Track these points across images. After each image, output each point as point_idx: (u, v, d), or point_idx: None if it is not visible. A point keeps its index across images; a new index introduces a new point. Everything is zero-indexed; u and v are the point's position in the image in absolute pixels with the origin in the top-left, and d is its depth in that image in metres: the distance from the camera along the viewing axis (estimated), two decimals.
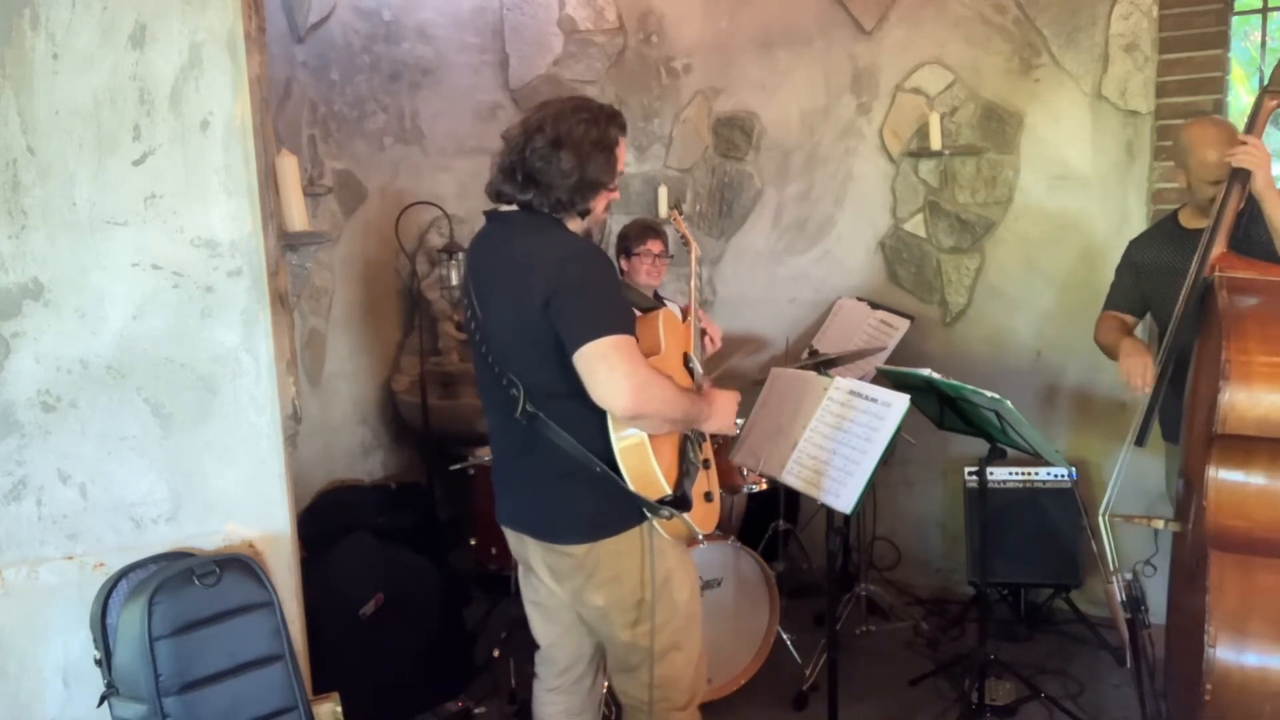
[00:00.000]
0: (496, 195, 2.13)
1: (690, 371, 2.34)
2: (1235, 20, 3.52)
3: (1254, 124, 2.54)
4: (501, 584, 3.54)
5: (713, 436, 2.37)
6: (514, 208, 2.10)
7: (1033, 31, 3.75)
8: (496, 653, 3.40)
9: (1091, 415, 3.79)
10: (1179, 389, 2.65)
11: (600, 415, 2.01)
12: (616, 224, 4.10)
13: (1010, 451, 2.84)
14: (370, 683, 2.87)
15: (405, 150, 4.53)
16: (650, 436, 2.02)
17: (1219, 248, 2.47)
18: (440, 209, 4.28)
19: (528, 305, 1.97)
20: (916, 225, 4.09)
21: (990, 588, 3.48)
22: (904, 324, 3.82)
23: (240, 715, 2.10)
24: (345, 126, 4.24)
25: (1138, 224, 3.55)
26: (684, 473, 2.13)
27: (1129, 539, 3.18)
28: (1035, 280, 3.87)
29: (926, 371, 2.73)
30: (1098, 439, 3.76)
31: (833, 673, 2.84)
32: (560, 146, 2.01)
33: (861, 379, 2.70)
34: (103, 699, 2.07)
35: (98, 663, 2.09)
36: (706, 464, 2.31)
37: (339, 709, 2.29)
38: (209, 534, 2.24)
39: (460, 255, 4.10)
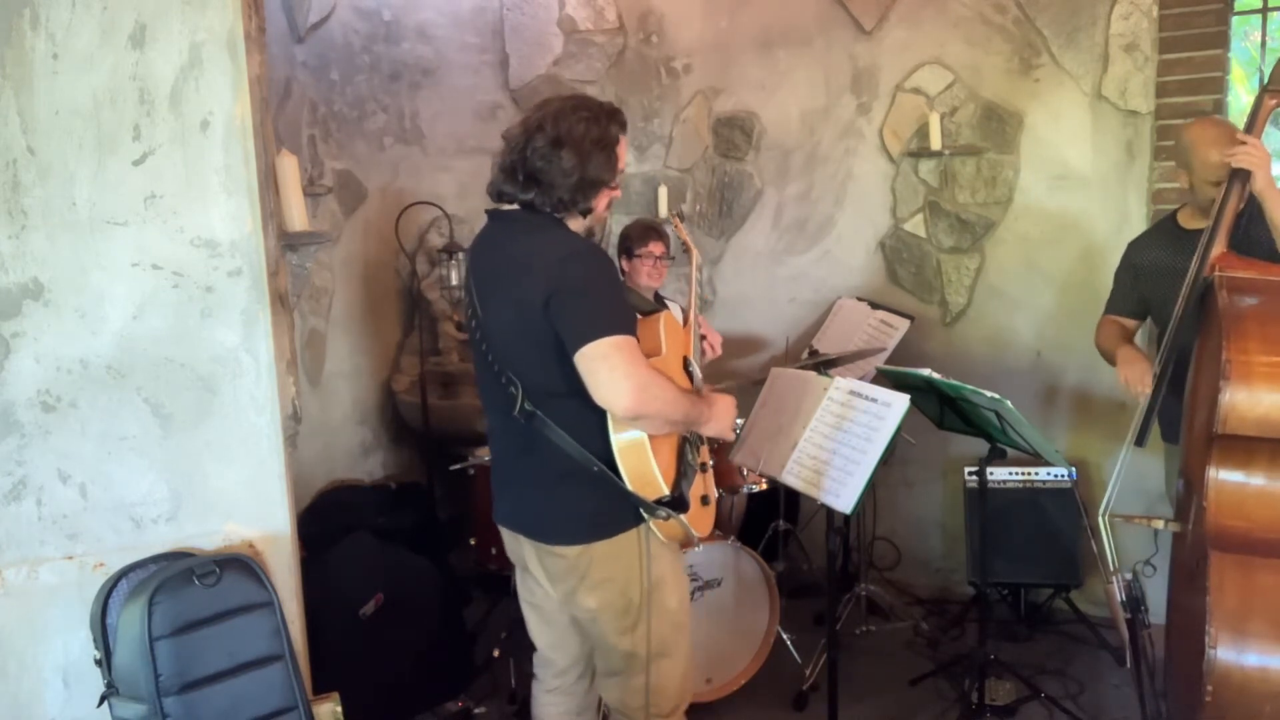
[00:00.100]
0: (498, 195, 2.12)
1: (690, 376, 2.34)
2: (1235, 20, 3.52)
3: (1254, 123, 2.54)
4: (501, 584, 3.54)
5: (710, 440, 2.36)
6: (516, 207, 2.10)
7: (1033, 31, 3.75)
8: (496, 653, 3.40)
9: (1091, 415, 3.79)
10: (1178, 389, 2.65)
11: (599, 415, 2.00)
12: (617, 224, 4.10)
13: (1010, 451, 2.84)
14: (370, 683, 2.87)
15: (405, 150, 4.53)
16: (650, 437, 2.02)
17: (1219, 248, 2.47)
18: (440, 209, 4.28)
19: (528, 304, 1.97)
20: (916, 225, 4.09)
21: (990, 588, 3.48)
22: (904, 324, 3.82)
23: (240, 715, 2.09)
24: (345, 126, 4.24)
25: (1138, 224, 3.55)
26: (681, 474, 2.13)
27: (1129, 539, 3.18)
28: (1035, 280, 3.87)
29: (926, 371, 2.73)
30: (1098, 439, 3.76)
31: (833, 673, 2.84)
32: (561, 145, 2.01)
33: (861, 379, 2.70)
34: (103, 699, 2.07)
35: (98, 663, 2.09)
36: (704, 467, 2.31)
37: (339, 709, 2.29)
38: (209, 534, 2.24)
39: (460, 255, 4.10)
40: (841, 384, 2.60)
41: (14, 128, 2.05)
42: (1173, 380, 2.60)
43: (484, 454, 3.38)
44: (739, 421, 2.64)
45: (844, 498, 2.45)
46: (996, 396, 2.56)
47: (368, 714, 2.52)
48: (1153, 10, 3.52)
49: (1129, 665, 2.63)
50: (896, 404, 2.45)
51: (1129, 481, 2.66)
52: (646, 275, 3.43)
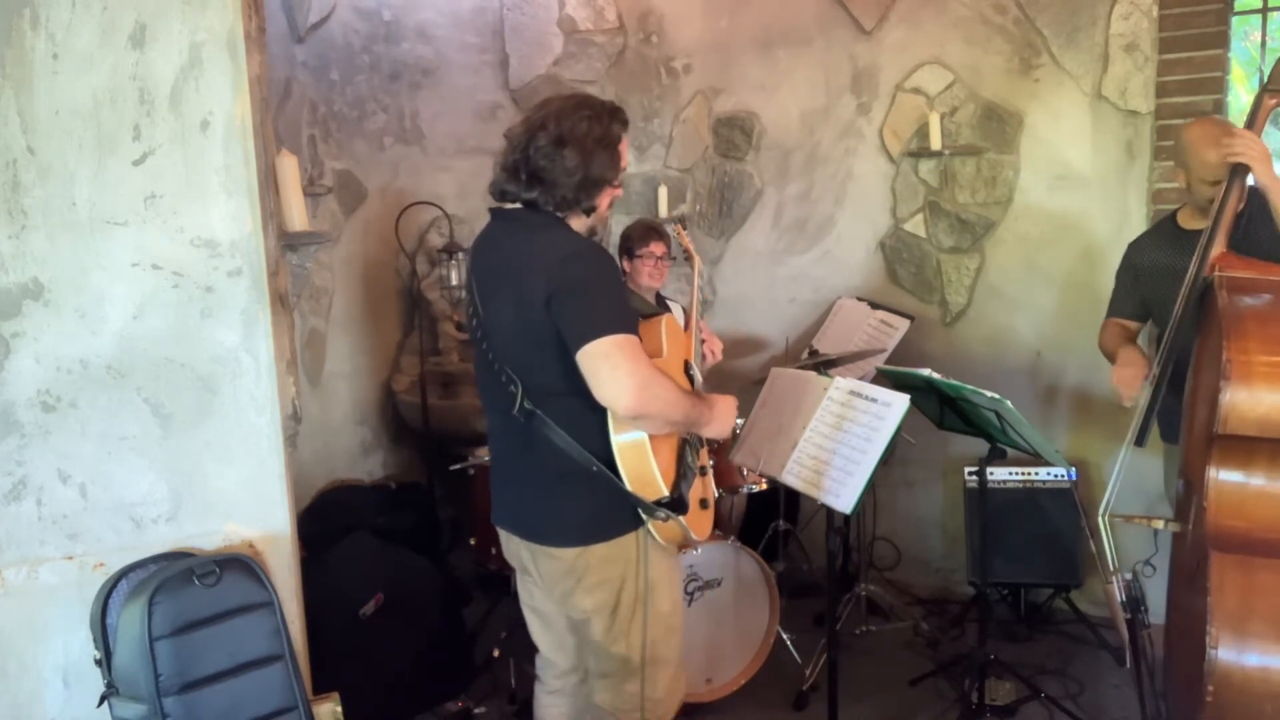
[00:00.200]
0: (501, 194, 2.12)
1: (690, 379, 2.33)
2: (1235, 20, 3.52)
3: (1254, 122, 2.54)
4: (501, 584, 3.54)
5: (709, 441, 2.36)
6: (519, 206, 2.10)
7: (1033, 31, 3.75)
8: (496, 653, 3.40)
9: (1091, 415, 3.79)
10: (1178, 389, 2.65)
11: (599, 415, 2.00)
12: (617, 224, 4.10)
13: (1010, 451, 2.84)
14: (370, 683, 2.87)
15: (405, 150, 4.53)
16: (650, 438, 2.01)
17: (1218, 248, 2.47)
18: (440, 209, 4.28)
19: (530, 303, 1.97)
20: (916, 225, 4.09)
21: (990, 588, 3.48)
22: (904, 324, 3.82)
23: (240, 715, 2.09)
24: (345, 126, 4.24)
25: (1138, 224, 3.55)
26: (681, 475, 2.13)
27: (1129, 539, 3.18)
28: (1035, 280, 3.87)
29: (926, 371, 2.73)
30: (1098, 439, 3.76)
31: (833, 673, 2.84)
32: (564, 144, 2.01)
33: (861, 379, 2.70)
34: (103, 699, 2.07)
35: (98, 663, 2.09)
36: (704, 470, 2.30)
37: (339, 709, 2.29)
38: (209, 534, 2.24)
39: (460, 255, 4.10)
40: (841, 384, 2.60)
41: (14, 128, 2.05)
42: (1173, 380, 2.60)
43: (484, 454, 3.38)
44: (739, 421, 2.64)
45: (844, 498, 2.45)
46: (996, 396, 2.56)
47: (368, 714, 2.52)
48: (1153, 10, 3.52)
49: (1129, 665, 2.63)
50: (896, 404, 2.45)
51: (1129, 481, 2.66)
52: (648, 275, 3.44)
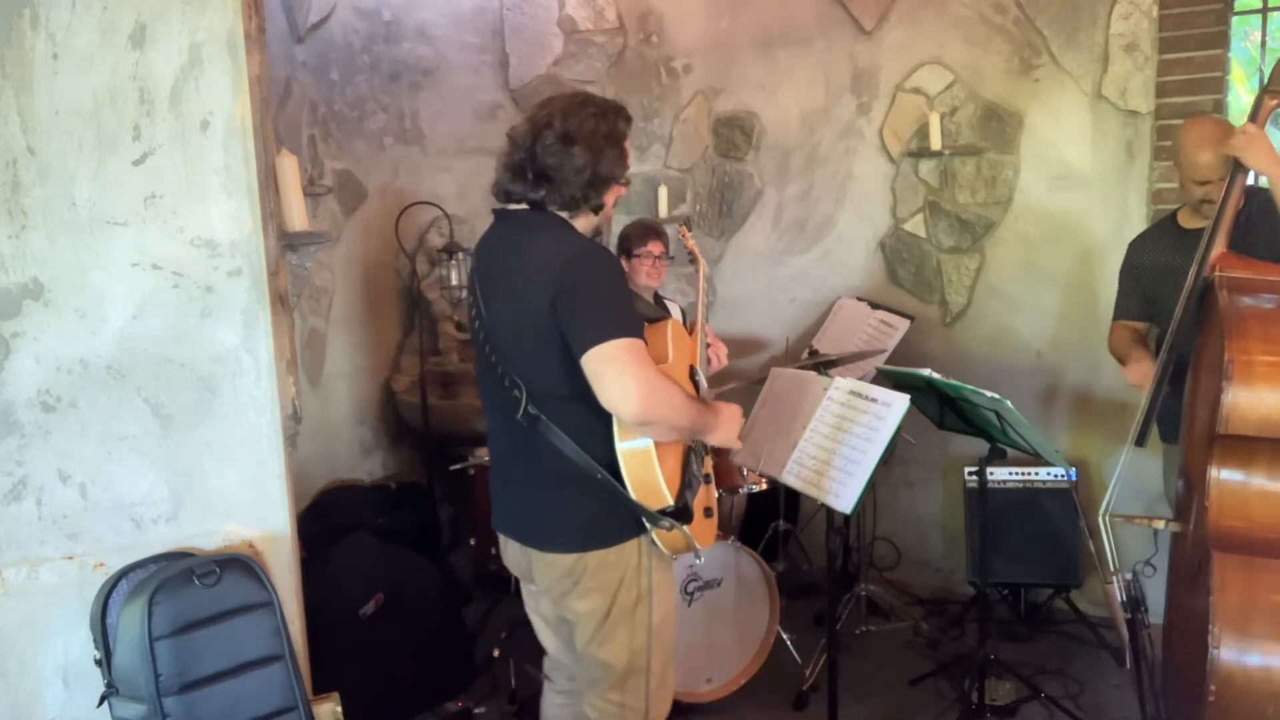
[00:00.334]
0: (505, 195, 2.09)
1: (695, 385, 2.31)
2: (1235, 20, 3.52)
3: (1254, 122, 2.54)
4: (501, 584, 3.54)
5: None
6: (523, 206, 2.07)
7: (1033, 31, 3.75)
8: (496, 653, 3.39)
9: (1091, 415, 3.79)
10: (1179, 389, 2.65)
11: (604, 420, 1.97)
12: (616, 224, 4.09)
13: (1010, 451, 2.84)
14: (370, 683, 2.87)
15: (405, 150, 4.53)
16: (655, 444, 1.97)
17: (1219, 248, 2.47)
18: (440, 209, 4.28)
19: (533, 306, 1.95)
20: (916, 225, 4.09)
21: (990, 588, 3.48)
22: (904, 324, 3.82)
23: (240, 715, 2.09)
24: (345, 126, 4.24)
25: (1138, 224, 3.55)
26: (686, 483, 2.08)
27: (1129, 539, 3.18)
28: (1035, 280, 3.87)
29: (926, 371, 2.72)
30: (1098, 439, 3.76)
31: (833, 673, 2.84)
32: (572, 142, 1.98)
33: (861, 379, 2.70)
34: (103, 699, 2.07)
35: (98, 663, 2.09)
36: (708, 478, 2.26)
37: (339, 709, 2.29)
38: (209, 534, 2.24)
39: (460, 255, 4.10)
40: (841, 384, 2.60)
41: (14, 128, 2.05)
42: (1173, 380, 2.60)
43: (484, 454, 3.38)
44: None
45: (844, 498, 2.45)
46: (996, 396, 2.56)
47: (368, 714, 2.52)
48: (1153, 10, 3.52)
49: (1129, 665, 2.63)
50: (896, 404, 2.45)
51: (1129, 481, 2.66)
52: (646, 275, 3.43)
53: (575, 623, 2.14)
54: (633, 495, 1.98)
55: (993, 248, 3.95)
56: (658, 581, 2.14)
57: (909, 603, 3.97)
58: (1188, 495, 2.46)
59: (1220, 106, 3.48)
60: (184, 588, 2.07)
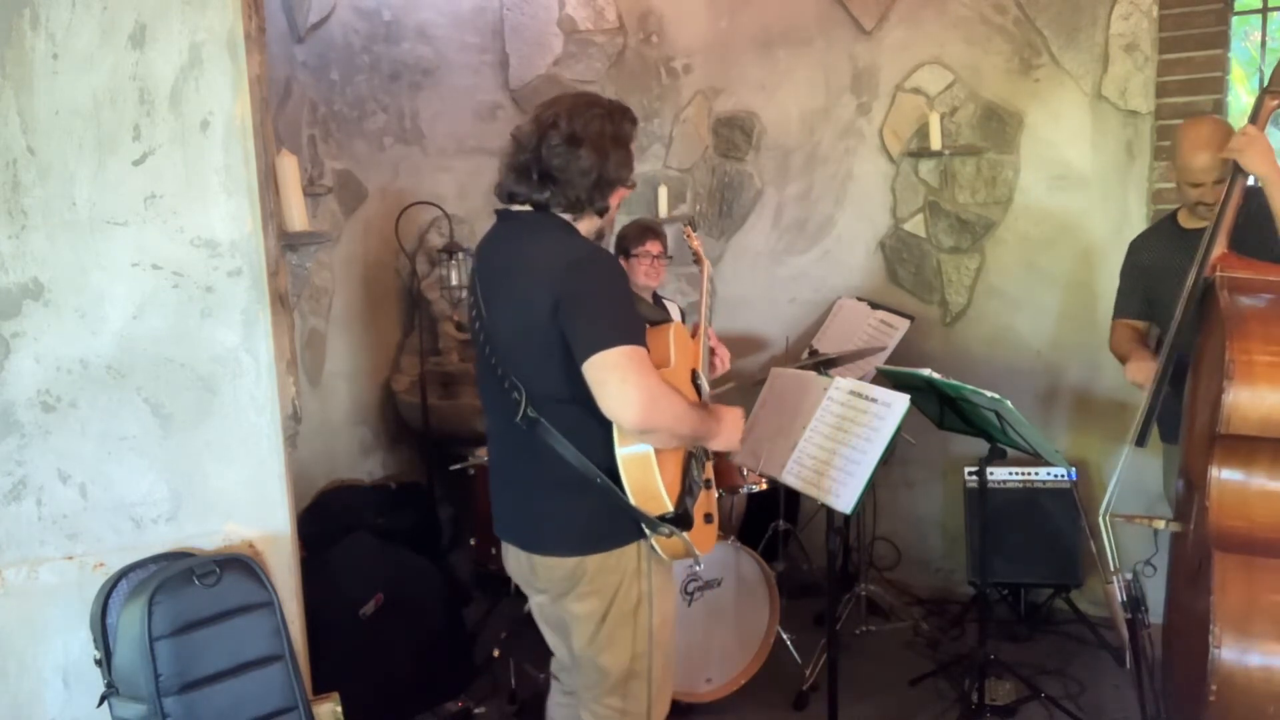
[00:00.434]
0: (509, 196, 2.07)
1: (697, 389, 2.30)
2: (1235, 20, 3.52)
3: (1255, 124, 2.54)
4: (501, 584, 3.54)
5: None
6: (526, 208, 2.06)
7: (1033, 31, 3.75)
8: (496, 653, 3.39)
9: (1091, 415, 3.79)
10: (1179, 389, 2.65)
11: (604, 425, 1.95)
12: (616, 224, 4.09)
13: (1010, 451, 2.84)
14: (370, 683, 2.87)
15: (405, 150, 4.52)
16: (655, 450, 1.96)
17: (1219, 248, 2.47)
18: (440, 209, 4.27)
19: (535, 309, 1.93)
20: (916, 225, 4.09)
21: (990, 588, 3.47)
22: (904, 324, 3.82)
23: (240, 715, 2.09)
24: (345, 126, 4.24)
25: (1138, 224, 3.55)
26: (686, 490, 2.06)
27: (1129, 539, 3.18)
28: (1035, 280, 3.87)
29: (926, 371, 2.72)
30: (1098, 439, 3.76)
31: (833, 673, 2.84)
32: (579, 143, 1.96)
33: (861, 379, 2.70)
34: (103, 699, 2.07)
35: (98, 663, 2.09)
36: (708, 484, 2.25)
37: (339, 709, 2.29)
38: (209, 534, 2.24)
39: (460, 255, 4.10)
40: (841, 384, 2.60)
41: (14, 128, 2.05)
42: (1173, 380, 2.60)
43: (484, 454, 3.37)
44: None
45: (844, 498, 2.45)
46: (996, 396, 2.56)
47: (368, 714, 2.52)
48: (1153, 10, 3.52)
49: (1129, 665, 2.63)
50: (896, 404, 2.45)
51: (1129, 481, 2.66)
52: (644, 274, 3.43)
53: (572, 625, 2.13)
54: (632, 501, 1.97)
55: (993, 248, 3.95)
56: (657, 585, 2.13)
57: (909, 603, 3.97)
58: (1188, 495, 2.46)
59: (1220, 107, 3.48)
60: (184, 588, 2.07)
